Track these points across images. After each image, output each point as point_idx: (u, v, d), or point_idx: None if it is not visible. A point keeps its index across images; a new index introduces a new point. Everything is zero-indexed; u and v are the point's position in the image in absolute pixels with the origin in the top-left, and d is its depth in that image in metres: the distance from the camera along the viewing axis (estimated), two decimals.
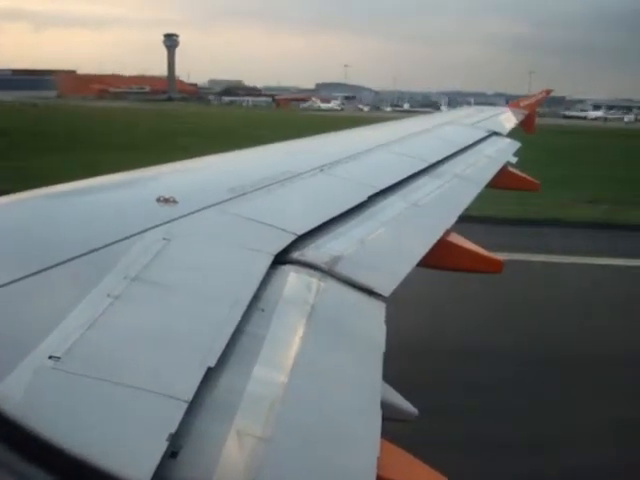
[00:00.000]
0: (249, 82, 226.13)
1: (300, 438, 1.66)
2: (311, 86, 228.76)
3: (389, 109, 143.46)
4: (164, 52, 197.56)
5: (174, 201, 2.78)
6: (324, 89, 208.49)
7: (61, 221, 2.53)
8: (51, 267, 1.97)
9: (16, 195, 2.70)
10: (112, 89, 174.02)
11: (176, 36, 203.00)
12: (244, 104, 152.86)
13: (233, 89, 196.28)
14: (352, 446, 1.70)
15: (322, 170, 4.13)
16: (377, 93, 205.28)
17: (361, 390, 1.97)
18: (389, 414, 1.95)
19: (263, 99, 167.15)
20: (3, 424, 1.37)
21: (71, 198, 2.92)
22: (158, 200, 2.76)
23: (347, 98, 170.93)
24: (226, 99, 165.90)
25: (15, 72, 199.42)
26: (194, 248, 2.50)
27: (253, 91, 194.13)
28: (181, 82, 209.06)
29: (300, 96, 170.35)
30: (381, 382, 1.99)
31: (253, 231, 2.79)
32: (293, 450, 1.60)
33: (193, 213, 2.74)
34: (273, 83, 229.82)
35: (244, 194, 3.19)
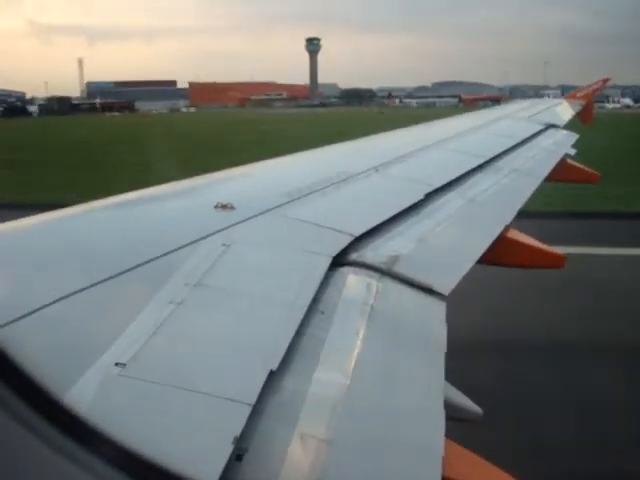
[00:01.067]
0: (343, 85, 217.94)
1: (363, 440, 1.65)
2: (425, 84, 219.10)
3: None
4: (227, 58, 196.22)
5: (232, 207, 2.81)
6: (441, 88, 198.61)
7: (123, 230, 2.58)
8: (115, 276, 2.01)
9: (79, 205, 2.77)
10: (254, 97, 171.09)
11: (317, 40, 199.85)
12: (437, 105, 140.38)
13: (353, 92, 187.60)
14: (416, 447, 1.69)
15: (377, 170, 4.12)
16: (500, 89, 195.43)
17: (424, 390, 1.96)
18: (453, 414, 1.93)
19: (445, 99, 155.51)
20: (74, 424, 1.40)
21: (132, 207, 2.98)
22: (216, 206, 2.80)
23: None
24: (412, 102, 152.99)
25: (117, 84, 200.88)
26: (253, 253, 2.52)
27: (367, 92, 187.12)
28: (304, 87, 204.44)
29: (485, 96, 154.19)
30: (444, 382, 1.97)
31: (310, 234, 2.79)
32: (356, 452, 1.60)
33: (251, 218, 2.77)
34: (378, 84, 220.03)
35: (300, 197, 3.20)
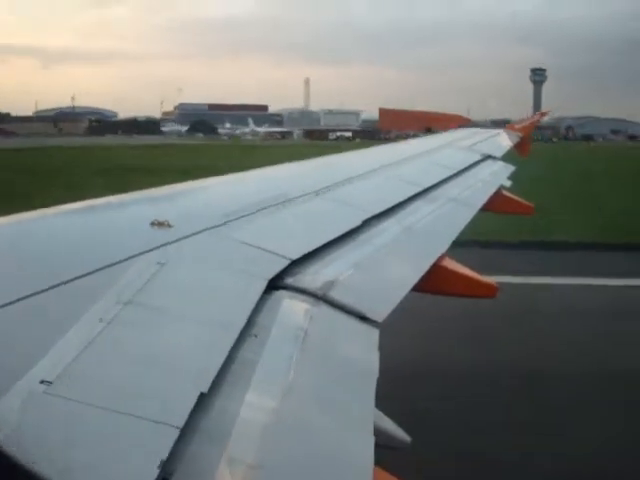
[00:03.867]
0: None
1: (292, 465, 1.65)
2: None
3: None
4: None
5: (168, 225, 2.78)
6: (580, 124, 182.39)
7: (52, 244, 2.53)
8: (43, 291, 1.96)
9: (6, 218, 2.70)
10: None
11: (543, 71, 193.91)
12: None
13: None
14: (345, 473, 1.70)
15: (317, 194, 4.14)
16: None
17: (354, 417, 1.97)
18: (382, 441, 1.94)
19: None
20: None
21: (63, 220, 2.92)
22: (152, 224, 2.77)
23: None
24: None
25: (211, 107, 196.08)
26: (188, 272, 2.50)
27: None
28: (461, 117, 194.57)
29: None
30: (374, 409, 1.99)
31: (247, 256, 2.79)
32: (285, 477, 1.59)
33: (187, 237, 2.74)
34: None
35: (239, 218, 3.19)
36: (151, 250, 2.49)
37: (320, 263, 2.99)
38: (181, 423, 1.54)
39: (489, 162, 8.50)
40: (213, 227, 2.96)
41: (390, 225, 4.08)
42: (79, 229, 2.82)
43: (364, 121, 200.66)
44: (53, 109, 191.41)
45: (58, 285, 2.03)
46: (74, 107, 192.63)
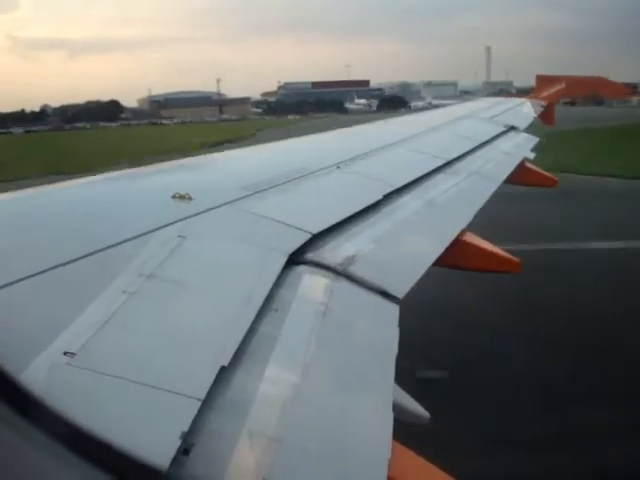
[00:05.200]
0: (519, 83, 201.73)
1: (311, 438, 1.66)
2: None
3: None
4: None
5: (189, 198, 2.79)
6: None
7: (78, 217, 2.55)
8: (68, 263, 1.99)
9: (32, 190, 2.73)
10: None
11: None
12: None
13: None
14: (363, 447, 1.71)
15: (339, 167, 4.12)
16: None
17: (373, 392, 1.98)
18: (402, 417, 1.95)
19: None
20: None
21: (87, 194, 2.95)
22: (174, 197, 2.78)
23: None
24: None
25: (314, 85, 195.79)
26: (209, 246, 2.51)
27: None
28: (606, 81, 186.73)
29: None
30: (393, 384, 2.00)
31: (268, 230, 2.79)
32: (304, 450, 1.61)
33: (208, 210, 2.75)
34: None
35: (260, 191, 3.19)
36: (172, 223, 2.50)
37: (341, 237, 2.99)
38: (202, 395, 1.56)
39: (512, 134, 8.39)
40: (234, 200, 2.97)
41: (411, 199, 4.05)
42: (103, 202, 2.84)
43: (461, 91, 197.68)
44: (162, 95, 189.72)
45: (82, 258, 2.05)
46: (218, 93, 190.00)
